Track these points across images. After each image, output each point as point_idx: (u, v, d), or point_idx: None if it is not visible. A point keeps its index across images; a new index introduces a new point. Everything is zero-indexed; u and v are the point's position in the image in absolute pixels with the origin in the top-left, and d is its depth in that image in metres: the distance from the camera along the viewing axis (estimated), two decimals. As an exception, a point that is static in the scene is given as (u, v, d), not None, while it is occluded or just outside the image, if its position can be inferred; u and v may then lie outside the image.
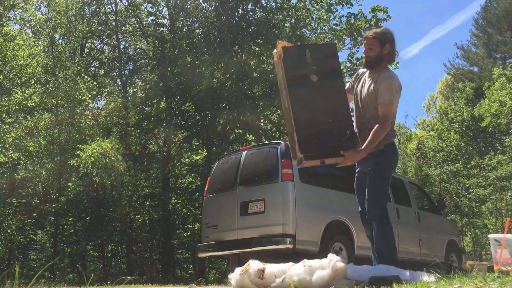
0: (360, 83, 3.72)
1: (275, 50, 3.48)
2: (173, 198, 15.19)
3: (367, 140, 3.44)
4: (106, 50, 18.66)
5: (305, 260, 2.86)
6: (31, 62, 12.85)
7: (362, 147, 3.42)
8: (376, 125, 3.47)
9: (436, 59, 56.76)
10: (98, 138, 12.69)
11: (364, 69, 3.78)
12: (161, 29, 15.03)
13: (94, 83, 13.66)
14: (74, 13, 15.39)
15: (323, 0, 15.02)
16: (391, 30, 3.68)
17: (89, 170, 12.19)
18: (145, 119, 14.73)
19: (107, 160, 12.16)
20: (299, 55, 3.43)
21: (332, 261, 2.71)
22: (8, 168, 12.04)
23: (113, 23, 16.46)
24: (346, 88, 3.79)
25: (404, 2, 53.57)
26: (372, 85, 3.56)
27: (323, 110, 3.38)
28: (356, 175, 3.85)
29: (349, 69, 15.69)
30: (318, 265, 2.76)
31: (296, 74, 3.39)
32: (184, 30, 14.75)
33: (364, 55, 3.68)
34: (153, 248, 15.95)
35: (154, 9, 15.32)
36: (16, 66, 12.31)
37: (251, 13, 14.36)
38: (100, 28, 16.76)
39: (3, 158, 11.54)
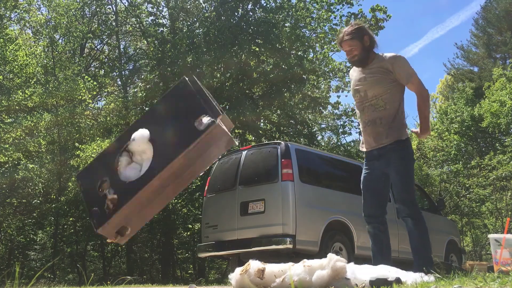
0: (360, 78, 3.60)
1: None
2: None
3: (421, 118, 3.43)
4: (106, 50, 18.67)
5: (305, 260, 2.86)
6: (31, 62, 12.85)
7: (421, 128, 3.40)
8: (418, 100, 3.44)
9: (436, 59, 56.84)
10: (98, 138, 12.67)
11: (355, 68, 3.68)
12: (161, 29, 15.02)
13: (94, 83, 13.65)
14: (74, 13, 15.37)
15: (323, 0, 14.99)
16: (358, 21, 3.63)
17: (89, 170, 12.15)
18: (145, 119, 14.70)
19: (107, 160, 12.12)
20: None
21: (332, 261, 2.71)
22: (8, 168, 12.02)
23: (113, 23, 16.44)
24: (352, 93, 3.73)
25: (404, 1, 53.63)
26: (378, 74, 3.49)
27: None
28: (365, 174, 3.63)
29: (349, 69, 15.67)
30: (318, 265, 2.75)
31: None
32: (184, 30, 14.75)
33: (349, 58, 3.57)
34: (153, 248, 15.94)
35: (154, 9, 15.33)
36: (16, 66, 12.30)
37: (251, 13, 14.36)
38: (100, 28, 16.75)
39: (3, 158, 11.53)
